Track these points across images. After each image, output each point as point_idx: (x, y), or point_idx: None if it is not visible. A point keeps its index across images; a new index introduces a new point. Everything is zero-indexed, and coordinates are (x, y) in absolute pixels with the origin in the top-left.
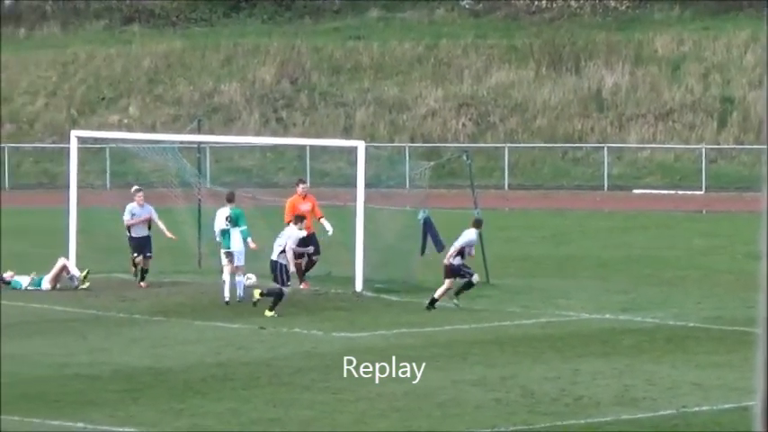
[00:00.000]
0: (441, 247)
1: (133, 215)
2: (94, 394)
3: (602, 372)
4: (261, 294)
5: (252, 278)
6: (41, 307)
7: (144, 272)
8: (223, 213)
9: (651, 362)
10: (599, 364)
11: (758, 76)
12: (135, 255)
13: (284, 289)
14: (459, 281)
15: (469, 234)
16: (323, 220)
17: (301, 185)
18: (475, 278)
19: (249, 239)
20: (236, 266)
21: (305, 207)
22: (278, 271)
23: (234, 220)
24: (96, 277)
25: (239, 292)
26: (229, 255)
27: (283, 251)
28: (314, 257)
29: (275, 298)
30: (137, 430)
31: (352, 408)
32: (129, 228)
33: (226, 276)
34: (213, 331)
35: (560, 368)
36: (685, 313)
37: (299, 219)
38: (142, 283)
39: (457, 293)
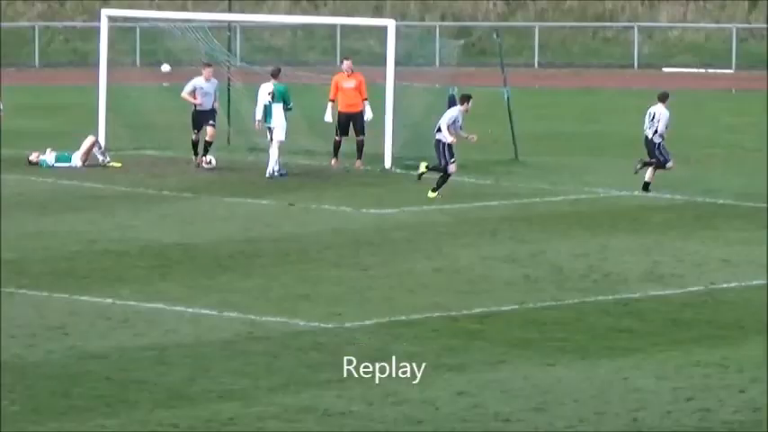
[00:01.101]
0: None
1: (196, 89)
2: (123, 270)
3: (630, 248)
4: (426, 168)
5: (212, 162)
6: (71, 183)
7: (208, 144)
8: (266, 89)
9: (680, 238)
10: (627, 241)
11: None
12: (196, 130)
13: (449, 167)
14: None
15: (661, 109)
16: (366, 103)
17: (345, 62)
18: (669, 164)
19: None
20: (276, 141)
21: (348, 85)
22: (439, 149)
23: (277, 96)
24: (126, 154)
25: (269, 168)
26: (270, 130)
27: (439, 129)
28: (359, 138)
29: (439, 179)
30: (165, 306)
31: (380, 284)
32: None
33: (270, 150)
34: (242, 208)
35: (589, 244)
36: (714, 190)
37: (464, 98)
38: (205, 158)
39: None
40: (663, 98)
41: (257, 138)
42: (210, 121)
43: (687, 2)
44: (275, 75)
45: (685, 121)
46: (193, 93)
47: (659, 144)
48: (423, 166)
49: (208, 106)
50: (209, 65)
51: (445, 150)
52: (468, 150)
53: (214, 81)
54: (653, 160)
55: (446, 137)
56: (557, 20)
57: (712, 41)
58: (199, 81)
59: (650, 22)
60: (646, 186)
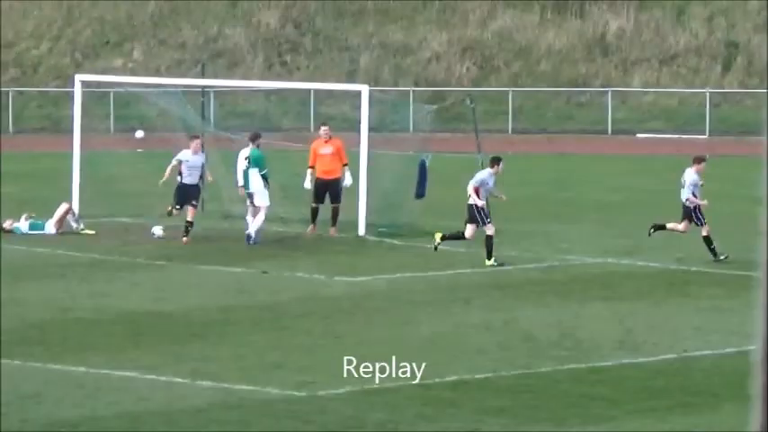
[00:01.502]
0: (420, 194)
1: (183, 162)
2: (96, 339)
3: (603, 316)
4: (442, 238)
5: (159, 230)
6: (44, 251)
7: (189, 224)
8: (244, 154)
9: (652, 306)
10: (600, 309)
11: (763, 19)
12: (177, 206)
13: (486, 229)
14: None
15: (690, 174)
16: (346, 169)
17: (322, 128)
18: (705, 230)
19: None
20: (257, 206)
21: (325, 151)
22: (474, 213)
23: (252, 161)
24: (99, 221)
25: (252, 229)
26: (249, 195)
27: (476, 192)
28: (333, 204)
29: (487, 245)
30: (138, 374)
31: (353, 352)
32: (180, 173)
33: (248, 217)
34: (215, 275)
35: (562, 312)
36: (687, 257)
37: (494, 160)
38: (185, 238)
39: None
40: (695, 161)
41: (232, 205)
42: (193, 201)
43: (660, 66)
44: (253, 139)
45: (659, 187)
46: (179, 166)
47: (694, 208)
48: (438, 237)
49: (193, 181)
50: (196, 137)
51: (480, 213)
52: (440, 218)
53: (201, 155)
54: (707, 235)
55: (476, 200)
56: (530, 85)
57: (686, 106)
58: (185, 154)
59: (624, 87)
60: (709, 243)
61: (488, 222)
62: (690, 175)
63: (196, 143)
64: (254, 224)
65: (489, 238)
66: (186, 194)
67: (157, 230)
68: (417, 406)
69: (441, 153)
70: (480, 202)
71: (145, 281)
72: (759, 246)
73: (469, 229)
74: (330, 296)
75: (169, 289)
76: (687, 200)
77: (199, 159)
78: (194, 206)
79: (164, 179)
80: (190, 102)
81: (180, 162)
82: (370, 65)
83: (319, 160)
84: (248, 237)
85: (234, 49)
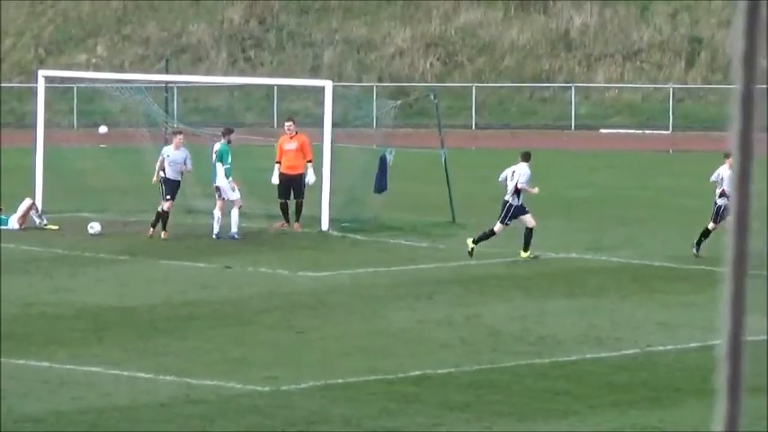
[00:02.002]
0: (381, 188)
1: (165, 158)
2: (59, 333)
3: (567, 311)
4: (474, 242)
5: (95, 227)
6: (7, 246)
7: (166, 219)
8: (215, 148)
9: (616, 301)
10: (564, 304)
11: (726, 16)
12: (168, 197)
13: (497, 225)
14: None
15: (727, 171)
16: (309, 165)
17: (286, 124)
18: (711, 225)
19: (230, 178)
20: (223, 201)
21: (289, 146)
22: (504, 207)
23: (218, 156)
24: (62, 216)
25: (215, 228)
26: (217, 190)
27: (516, 191)
28: (297, 199)
29: (483, 234)
30: (101, 369)
31: (316, 347)
32: (163, 169)
33: (215, 211)
34: (178, 271)
35: (525, 307)
36: (651, 252)
37: (527, 155)
38: (163, 233)
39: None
40: (727, 156)
41: (195, 200)
42: (173, 198)
43: (624, 62)
44: (224, 134)
45: (623, 183)
46: (163, 162)
47: (723, 207)
48: (470, 243)
49: (176, 177)
50: (179, 132)
51: (508, 210)
52: (403, 213)
53: (183, 150)
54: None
55: (514, 198)
56: (494, 80)
57: (649, 101)
58: (167, 150)
59: (587, 82)
60: (704, 235)
61: (507, 224)
62: (726, 171)
63: (178, 139)
64: (233, 223)
65: (492, 232)
66: (173, 188)
67: (95, 226)
68: (381, 401)
69: (404, 148)
70: (516, 202)
71: (108, 276)
72: (724, 241)
73: (528, 218)
74: (293, 291)
75: (133, 284)
76: (723, 197)
77: (180, 155)
78: (171, 200)
79: (155, 178)
80: (153, 97)
81: (164, 158)
82: (333, 60)
83: (284, 156)
84: (232, 236)
85: (197, 45)
